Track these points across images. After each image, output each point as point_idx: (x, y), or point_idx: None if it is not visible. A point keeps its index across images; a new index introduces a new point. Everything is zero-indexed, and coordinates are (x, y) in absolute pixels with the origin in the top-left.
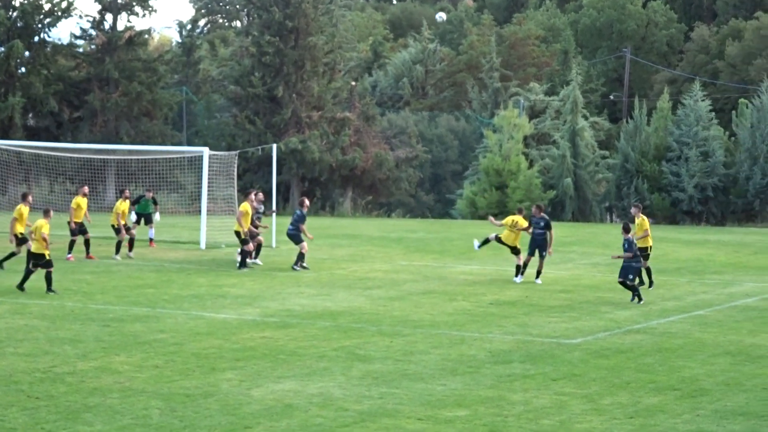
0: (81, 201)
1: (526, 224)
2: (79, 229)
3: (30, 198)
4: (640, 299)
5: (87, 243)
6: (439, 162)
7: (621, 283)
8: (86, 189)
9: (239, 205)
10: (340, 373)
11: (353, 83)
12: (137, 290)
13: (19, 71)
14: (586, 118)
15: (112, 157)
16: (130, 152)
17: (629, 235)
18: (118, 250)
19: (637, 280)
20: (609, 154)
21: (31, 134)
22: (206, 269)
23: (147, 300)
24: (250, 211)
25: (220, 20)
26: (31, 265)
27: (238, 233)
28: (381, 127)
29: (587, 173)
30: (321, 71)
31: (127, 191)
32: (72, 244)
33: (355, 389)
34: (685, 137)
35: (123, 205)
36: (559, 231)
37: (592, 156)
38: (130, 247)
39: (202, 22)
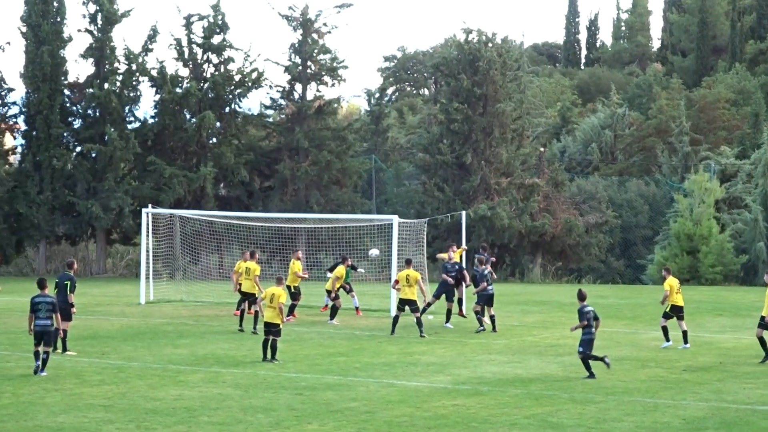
0: (297, 265)
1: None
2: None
3: (257, 255)
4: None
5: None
6: (629, 227)
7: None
8: (300, 253)
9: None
10: None
11: (542, 149)
12: (329, 358)
13: (211, 141)
14: None
15: (302, 225)
16: (320, 221)
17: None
18: (333, 316)
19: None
20: None
21: (223, 204)
22: (397, 337)
23: (338, 368)
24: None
25: (408, 88)
26: (265, 334)
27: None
28: (570, 193)
29: None
30: (509, 137)
31: (349, 260)
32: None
33: None
34: None
35: (341, 270)
36: (752, 296)
37: None
38: (332, 315)
39: (390, 91)
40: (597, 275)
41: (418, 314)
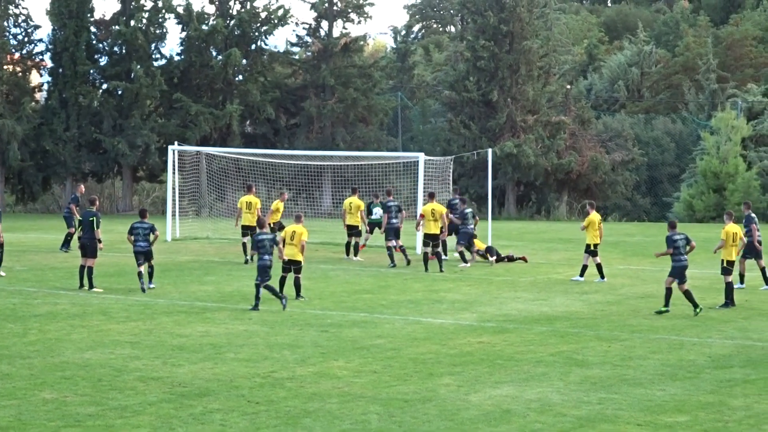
0: (280, 205)
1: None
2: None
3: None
4: None
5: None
6: (656, 165)
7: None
8: (286, 195)
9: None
10: (557, 379)
11: (568, 86)
12: (355, 296)
13: (237, 79)
14: None
15: (328, 163)
16: (346, 158)
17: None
18: (356, 252)
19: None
20: None
21: (249, 141)
22: (422, 275)
23: (364, 305)
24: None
25: (434, 25)
26: (283, 271)
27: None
28: (596, 131)
29: None
30: (536, 75)
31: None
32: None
33: (574, 394)
34: None
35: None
36: None
37: None
38: (355, 251)
39: (416, 28)
40: (623, 213)
41: (440, 249)
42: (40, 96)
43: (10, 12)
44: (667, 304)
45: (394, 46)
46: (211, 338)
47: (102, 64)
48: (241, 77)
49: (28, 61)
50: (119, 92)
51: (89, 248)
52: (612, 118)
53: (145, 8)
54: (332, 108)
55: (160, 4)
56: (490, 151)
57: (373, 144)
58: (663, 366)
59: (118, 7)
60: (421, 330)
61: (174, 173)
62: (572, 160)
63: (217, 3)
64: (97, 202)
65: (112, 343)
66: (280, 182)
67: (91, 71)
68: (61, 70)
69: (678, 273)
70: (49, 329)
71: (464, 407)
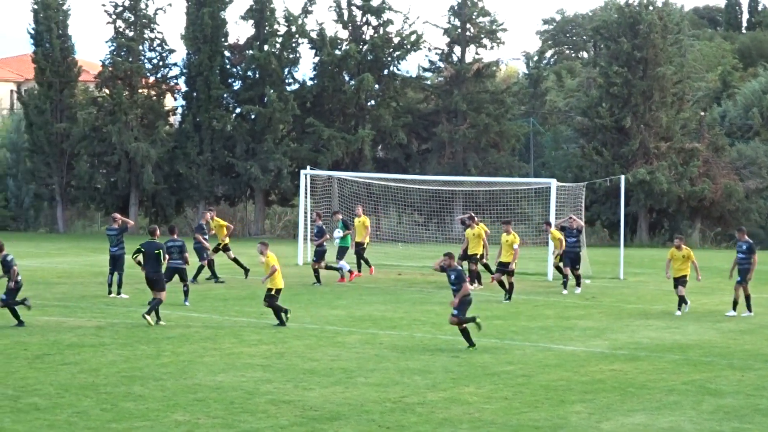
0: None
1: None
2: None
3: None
4: None
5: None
6: None
7: None
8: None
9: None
10: (690, 407)
11: (702, 113)
12: (485, 321)
13: (369, 104)
14: None
15: (459, 188)
16: (477, 184)
17: None
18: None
19: None
20: None
21: (381, 166)
22: (553, 301)
23: (495, 331)
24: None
25: (567, 51)
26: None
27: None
28: (730, 158)
29: None
30: (669, 101)
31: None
32: None
33: (707, 424)
34: None
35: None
36: None
37: None
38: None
39: (548, 54)
40: (756, 241)
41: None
42: (174, 120)
43: (146, 36)
44: None
45: (527, 72)
46: (342, 362)
47: (235, 88)
48: (373, 102)
49: (163, 84)
50: (252, 116)
51: (157, 282)
52: (746, 145)
53: (278, 33)
54: (464, 133)
55: (293, 29)
56: (622, 177)
57: (504, 170)
58: None
59: (251, 32)
60: (552, 357)
61: (306, 197)
62: (706, 187)
63: (350, 28)
64: (158, 232)
65: (243, 366)
66: (411, 207)
67: (225, 95)
68: (195, 94)
69: None
70: (182, 351)
71: None
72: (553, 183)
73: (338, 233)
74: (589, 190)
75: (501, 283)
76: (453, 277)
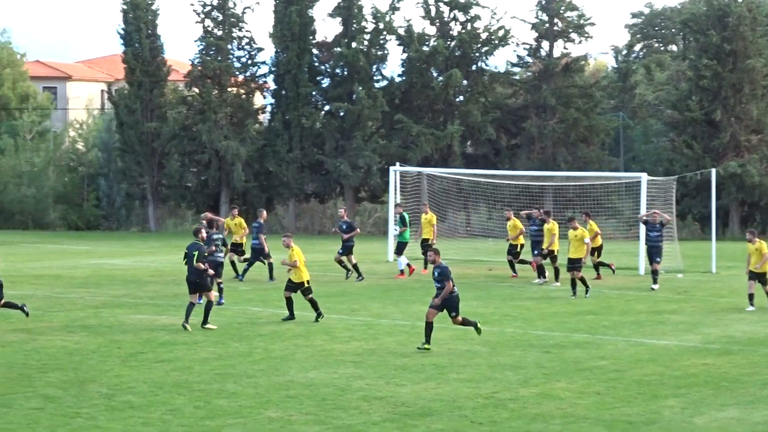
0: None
1: None
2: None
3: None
4: None
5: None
6: None
7: None
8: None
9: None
10: None
11: None
12: (577, 317)
13: (458, 99)
14: None
15: (549, 183)
16: (567, 178)
17: None
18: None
19: None
20: None
21: (470, 162)
22: (645, 295)
23: (587, 326)
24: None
25: (656, 44)
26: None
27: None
28: None
29: None
30: (760, 94)
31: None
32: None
33: None
34: None
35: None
36: None
37: None
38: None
39: (637, 47)
40: None
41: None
42: (263, 118)
43: (234, 35)
44: None
45: (615, 66)
46: (434, 358)
47: (324, 85)
48: (461, 98)
49: (252, 83)
50: (341, 114)
51: (199, 285)
52: None
53: (366, 30)
54: (553, 128)
55: (381, 26)
56: (713, 171)
57: (594, 164)
58: None
59: (339, 29)
60: (644, 351)
61: (395, 194)
62: None
63: (437, 24)
64: (202, 232)
65: (335, 363)
66: (501, 203)
67: (314, 93)
68: (283, 92)
69: None
70: (274, 348)
71: (689, 430)
72: (644, 177)
73: (395, 229)
74: (680, 183)
75: (573, 281)
76: (437, 273)
